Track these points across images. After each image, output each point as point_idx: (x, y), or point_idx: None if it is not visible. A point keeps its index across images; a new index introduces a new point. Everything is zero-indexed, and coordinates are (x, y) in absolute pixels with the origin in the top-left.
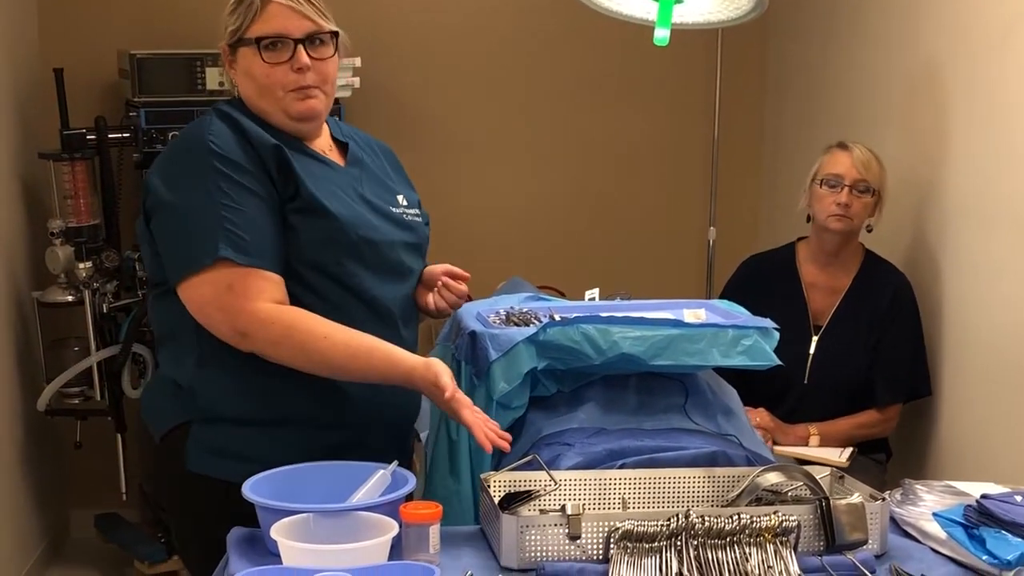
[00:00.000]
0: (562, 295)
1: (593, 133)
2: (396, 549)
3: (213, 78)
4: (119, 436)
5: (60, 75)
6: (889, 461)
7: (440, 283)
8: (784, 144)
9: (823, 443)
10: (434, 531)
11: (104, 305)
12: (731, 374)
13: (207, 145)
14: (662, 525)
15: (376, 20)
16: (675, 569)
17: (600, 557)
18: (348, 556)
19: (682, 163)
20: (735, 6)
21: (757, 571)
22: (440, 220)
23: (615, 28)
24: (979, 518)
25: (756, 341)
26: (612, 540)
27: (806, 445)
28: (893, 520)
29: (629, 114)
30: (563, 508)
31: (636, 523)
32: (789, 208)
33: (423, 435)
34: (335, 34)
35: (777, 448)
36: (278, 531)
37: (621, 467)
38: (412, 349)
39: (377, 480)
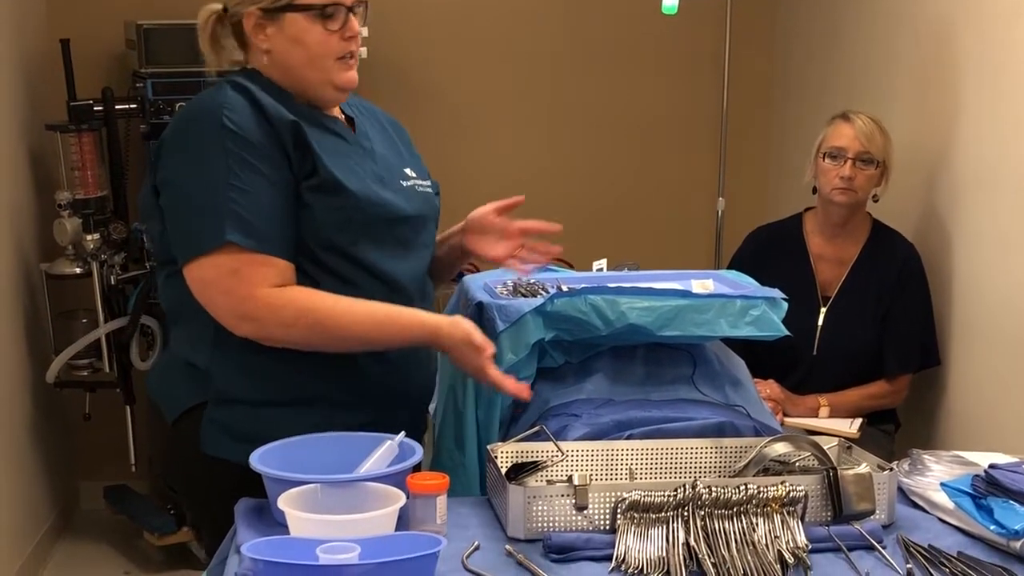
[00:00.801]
0: (570, 266)
1: (601, 104)
2: (403, 520)
3: None
4: (128, 408)
5: (67, 46)
6: (897, 432)
7: (524, 248)
8: (793, 114)
9: (833, 414)
10: (441, 502)
11: (112, 277)
12: (739, 346)
13: (221, 120)
14: (669, 496)
15: None
16: (682, 539)
17: (607, 527)
18: (355, 526)
19: (691, 134)
20: None
21: (764, 541)
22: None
23: None
24: (987, 488)
25: (764, 311)
26: (619, 511)
27: (816, 416)
28: (901, 490)
29: (637, 85)
30: (570, 479)
31: (643, 494)
32: (798, 179)
33: (431, 407)
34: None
35: (787, 420)
36: (285, 501)
37: (628, 438)
38: None
39: (384, 451)
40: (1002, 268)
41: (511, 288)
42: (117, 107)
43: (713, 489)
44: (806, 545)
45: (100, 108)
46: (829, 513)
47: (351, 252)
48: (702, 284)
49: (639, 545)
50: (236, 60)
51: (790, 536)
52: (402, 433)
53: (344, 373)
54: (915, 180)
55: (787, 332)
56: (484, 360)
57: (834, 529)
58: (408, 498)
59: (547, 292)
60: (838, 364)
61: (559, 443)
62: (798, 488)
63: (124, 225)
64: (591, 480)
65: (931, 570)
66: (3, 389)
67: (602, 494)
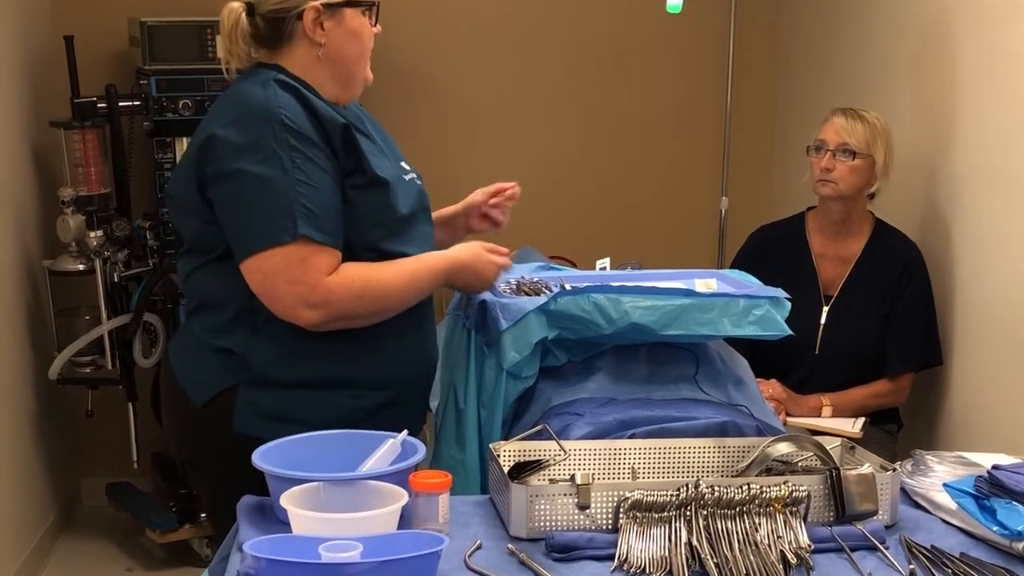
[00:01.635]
0: (573, 265)
1: (605, 102)
2: (405, 518)
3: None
4: (130, 405)
5: (71, 43)
6: (900, 432)
7: (492, 204)
8: (797, 113)
9: (836, 413)
10: (443, 500)
11: (115, 274)
12: (742, 344)
13: (279, 117)
14: (672, 495)
15: None
16: (684, 539)
17: (609, 527)
18: (357, 525)
19: (694, 132)
20: None
21: (767, 541)
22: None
23: None
24: (990, 489)
25: (768, 311)
26: (622, 510)
27: (819, 416)
28: (903, 491)
29: (642, 82)
30: (573, 478)
31: (646, 493)
32: (801, 178)
33: (433, 404)
34: None
35: (790, 419)
36: (288, 500)
37: (631, 437)
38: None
39: (387, 449)
40: (1004, 267)
41: (514, 287)
42: (121, 104)
43: (716, 489)
44: (809, 545)
45: (104, 105)
46: (832, 513)
47: (383, 247)
48: (705, 283)
49: (641, 545)
50: (251, 58)
51: (793, 536)
52: (404, 432)
53: (367, 357)
54: (917, 178)
55: (790, 332)
56: (499, 258)
57: (837, 529)
58: (410, 496)
59: (550, 291)
60: (840, 363)
61: (562, 442)
62: (801, 488)
63: (127, 222)
64: (594, 479)
65: (933, 571)
66: (6, 386)
67: (605, 493)
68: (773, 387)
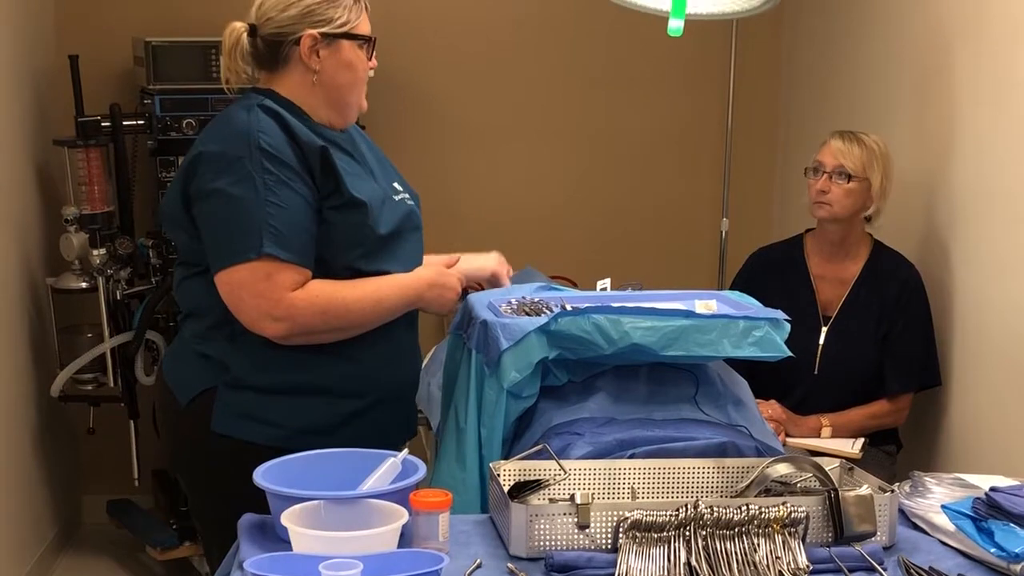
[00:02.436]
0: (574, 285)
1: (607, 123)
2: (406, 537)
3: None
4: (132, 422)
5: (75, 62)
6: (899, 452)
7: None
8: (798, 136)
9: (835, 434)
10: (444, 519)
11: (117, 292)
12: (741, 365)
13: (257, 141)
14: (671, 515)
15: (389, 9)
16: (683, 559)
17: (609, 547)
18: (358, 543)
19: (695, 154)
20: None
21: (765, 561)
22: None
23: (629, 18)
24: (988, 511)
25: (767, 332)
26: (621, 530)
27: (818, 436)
28: (902, 512)
29: (643, 104)
30: (572, 497)
31: (645, 513)
32: (802, 200)
33: (433, 423)
34: None
35: (789, 440)
36: (289, 518)
37: (631, 457)
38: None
39: (388, 468)
40: (1003, 289)
41: (515, 307)
42: (125, 123)
43: (715, 509)
44: (807, 566)
45: (108, 124)
46: (830, 534)
47: (359, 266)
48: (705, 304)
49: (641, 564)
50: (251, 78)
51: (791, 557)
52: (405, 450)
53: (343, 366)
54: (916, 200)
55: (790, 353)
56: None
57: (835, 550)
58: (411, 515)
59: (551, 311)
60: (839, 383)
61: (562, 461)
62: (799, 509)
63: (130, 240)
64: (593, 499)
65: None
66: (8, 402)
67: (604, 513)
68: (773, 408)
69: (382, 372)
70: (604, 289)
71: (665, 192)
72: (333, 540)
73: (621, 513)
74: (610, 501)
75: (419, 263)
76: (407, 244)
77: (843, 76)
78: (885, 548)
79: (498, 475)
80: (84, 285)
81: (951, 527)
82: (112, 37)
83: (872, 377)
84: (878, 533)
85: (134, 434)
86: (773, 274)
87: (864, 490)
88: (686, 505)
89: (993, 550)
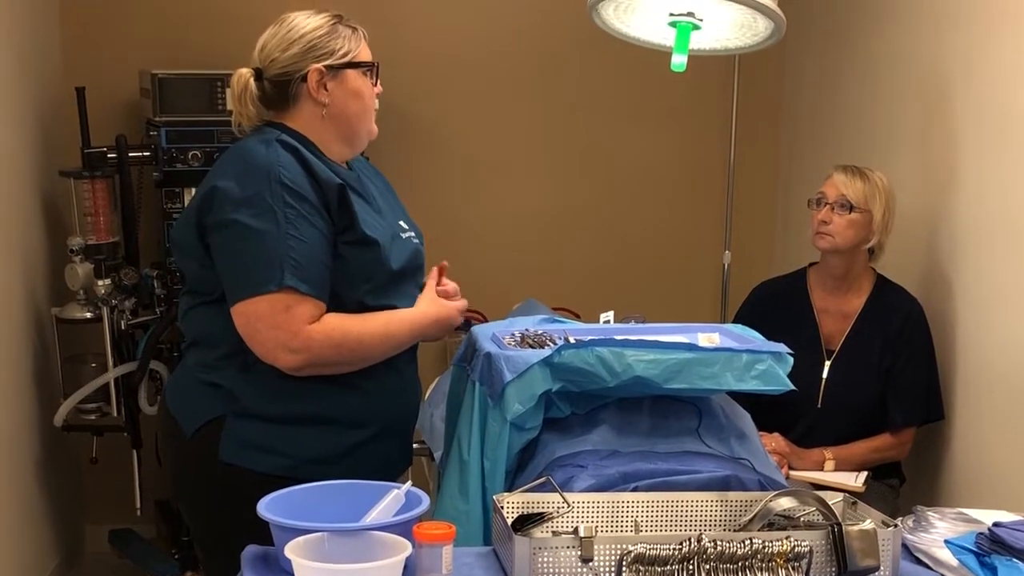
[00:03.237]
0: (577, 317)
1: (610, 156)
2: (409, 569)
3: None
4: (135, 452)
5: (82, 94)
6: (903, 486)
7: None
8: (800, 170)
9: (838, 467)
10: (447, 552)
11: (122, 322)
12: (744, 398)
13: (277, 175)
14: (674, 549)
15: (392, 39)
16: None
17: None
18: (362, 575)
19: (698, 187)
20: (752, 33)
21: None
22: (456, 241)
23: (632, 52)
24: (991, 546)
25: (770, 366)
26: (624, 563)
27: (822, 469)
28: (905, 547)
29: (646, 137)
30: (576, 530)
31: (648, 546)
32: (804, 233)
33: (436, 455)
34: None
35: (793, 473)
36: (292, 550)
37: (634, 490)
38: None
39: (391, 500)
40: (1005, 323)
41: (519, 339)
42: (131, 155)
43: (718, 543)
44: None
45: (114, 155)
46: (834, 569)
47: (368, 300)
48: (708, 338)
49: None
50: (260, 118)
51: None
52: (409, 482)
53: (349, 396)
54: (917, 235)
55: (793, 387)
56: (457, 302)
57: None
58: (414, 548)
59: (554, 344)
60: (842, 417)
61: (565, 494)
62: (803, 543)
63: (135, 271)
64: (596, 532)
65: None
66: (11, 431)
67: (607, 546)
68: (776, 441)
69: (386, 403)
70: (607, 322)
71: (668, 225)
72: (336, 572)
73: (625, 546)
74: (613, 534)
75: (414, 301)
76: (408, 283)
77: (845, 111)
78: None
79: (501, 507)
80: (89, 315)
81: (954, 562)
82: (119, 69)
83: (875, 410)
84: (881, 568)
85: (137, 464)
86: (776, 307)
87: (867, 524)
88: (689, 539)
89: None
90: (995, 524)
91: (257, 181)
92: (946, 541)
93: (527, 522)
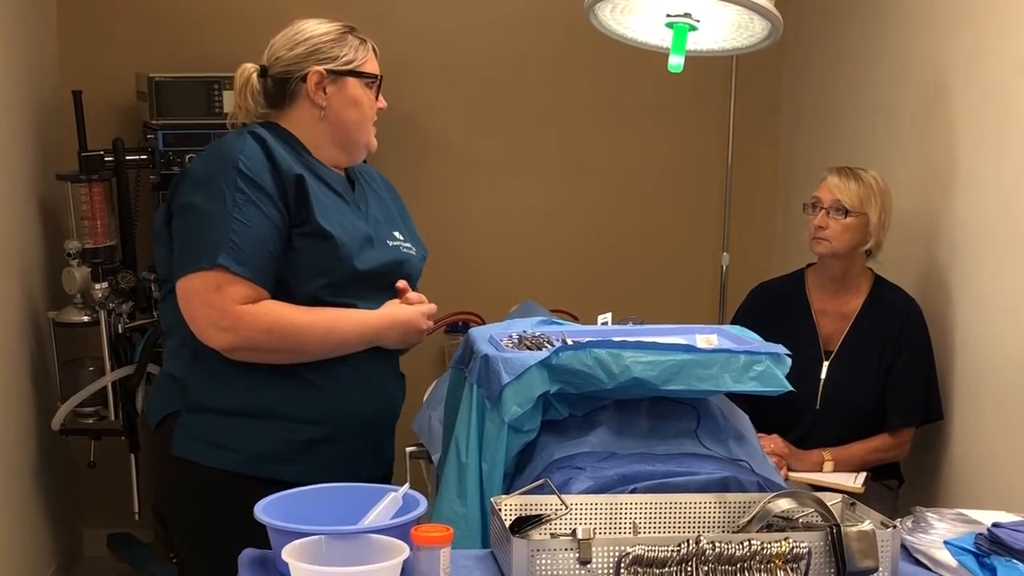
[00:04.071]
0: (575, 319)
1: (608, 158)
2: (407, 572)
3: (230, 101)
4: (133, 456)
5: (79, 97)
6: (901, 487)
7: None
8: (798, 171)
9: (837, 468)
10: (445, 554)
11: (119, 325)
12: (743, 399)
13: (236, 163)
14: (673, 550)
15: (395, 44)
16: None
17: None
18: None
19: (696, 188)
20: (749, 34)
21: None
22: (455, 243)
23: (630, 53)
24: (990, 547)
25: (768, 367)
26: (622, 565)
27: (820, 470)
28: (904, 548)
29: (644, 139)
30: (574, 532)
31: (647, 548)
32: (803, 235)
33: (434, 457)
34: None
35: (792, 474)
36: (289, 553)
37: (632, 492)
38: (397, 368)
39: (389, 503)
40: (1003, 323)
41: (516, 341)
42: (128, 158)
43: (717, 545)
44: None
45: (111, 159)
46: (833, 570)
47: (324, 296)
48: (706, 339)
49: None
50: (261, 115)
51: None
52: (406, 485)
53: (302, 391)
54: (916, 236)
55: (791, 388)
56: (424, 307)
57: None
58: (412, 550)
59: (552, 345)
60: (841, 418)
61: (563, 496)
62: (802, 545)
63: (132, 274)
64: (595, 534)
65: None
66: (9, 436)
67: (606, 548)
68: (775, 442)
69: (343, 401)
70: (605, 323)
71: (666, 226)
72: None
73: (623, 548)
74: (612, 536)
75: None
76: (384, 287)
77: (843, 112)
78: None
79: (499, 510)
80: (86, 319)
81: (953, 563)
82: (115, 72)
83: (874, 411)
84: (880, 569)
85: (135, 467)
86: (775, 309)
87: (866, 525)
88: (688, 540)
89: None
90: (994, 525)
91: (217, 167)
92: (945, 542)
93: (525, 524)
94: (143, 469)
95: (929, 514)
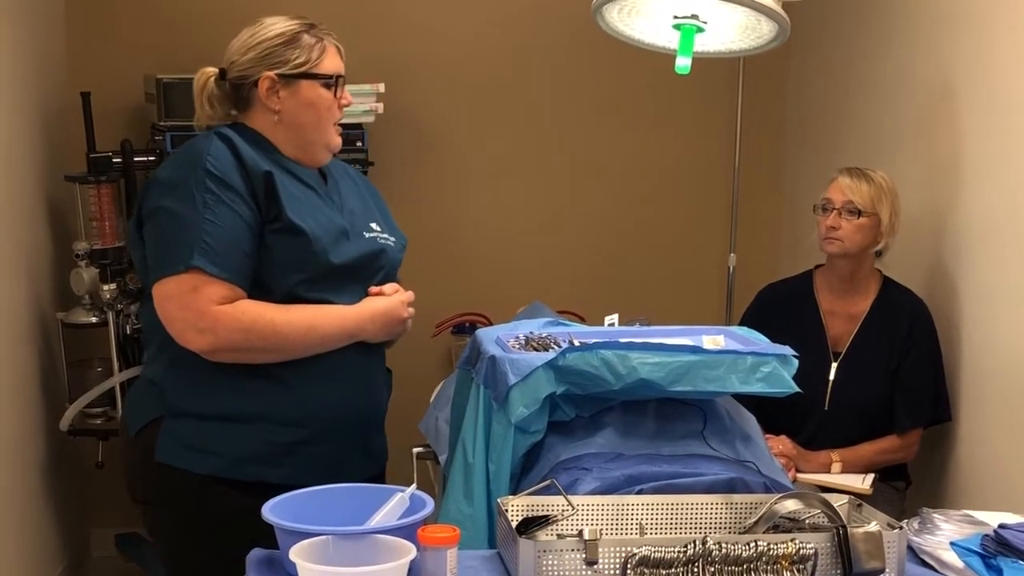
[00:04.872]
0: (582, 320)
1: (615, 159)
2: (414, 572)
3: None
4: None
5: (87, 99)
6: (908, 488)
7: None
8: (805, 171)
9: (845, 469)
10: (452, 555)
11: (127, 326)
12: (751, 400)
13: (204, 164)
14: (679, 551)
15: (399, 46)
16: None
17: None
18: None
19: (703, 189)
20: (756, 35)
21: None
22: (462, 245)
23: (637, 54)
24: (996, 548)
25: (775, 368)
26: (629, 566)
27: (828, 472)
28: (911, 549)
29: (650, 140)
30: (580, 533)
31: (653, 549)
32: (810, 236)
33: (441, 458)
34: None
35: (800, 475)
36: (297, 553)
37: (639, 492)
38: (382, 364)
39: (395, 503)
40: (1011, 324)
41: (523, 342)
42: (136, 159)
43: (723, 545)
44: None
45: (119, 160)
46: (839, 571)
47: (301, 292)
48: (713, 340)
49: None
50: (229, 116)
51: None
52: (413, 486)
53: (281, 394)
54: (924, 237)
55: (797, 389)
56: (404, 295)
57: None
58: (419, 551)
59: (559, 346)
60: (849, 419)
61: (570, 497)
62: (808, 546)
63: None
64: (601, 535)
65: None
66: (17, 436)
67: (612, 549)
68: (783, 443)
69: (324, 401)
70: (612, 324)
71: (672, 227)
72: None
73: (629, 549)
74: (618, 537)
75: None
76: (362, 281)
77: (849, 113)
78: None
79: (506, 510)
80: (94, 320)
81: (960, 564)
82: (123, 74)
83: (882, 412)
84: (887, 570)
85: None
86: (782, 310)
87: (873, 527)
88: (694, 541)
89: None
90: (1001, 526)
91: (185, 169)
92: (952, 543)
93: (532, 525)
94: (112, 476)
95: (935, 515)
